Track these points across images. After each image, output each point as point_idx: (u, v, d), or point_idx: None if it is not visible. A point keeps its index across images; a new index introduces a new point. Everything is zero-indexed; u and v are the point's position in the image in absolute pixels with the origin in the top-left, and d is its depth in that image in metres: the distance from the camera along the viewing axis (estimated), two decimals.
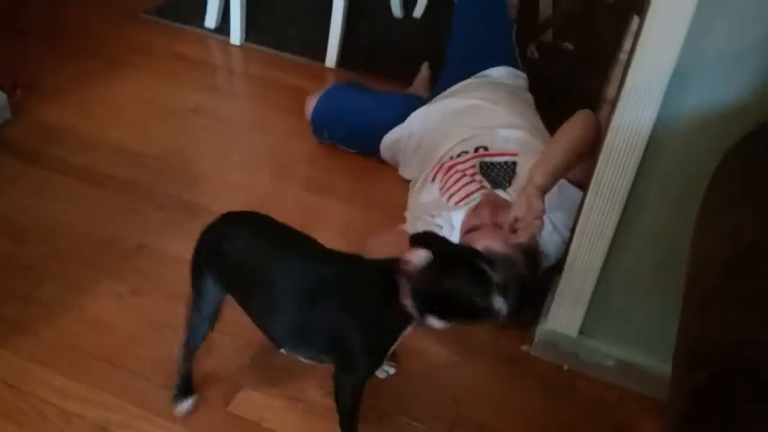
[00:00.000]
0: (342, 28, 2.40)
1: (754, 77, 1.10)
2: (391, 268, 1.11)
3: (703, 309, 0.88)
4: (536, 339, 1.48)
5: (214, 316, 1.28)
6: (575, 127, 1.54)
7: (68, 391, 1.36)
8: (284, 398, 1.38)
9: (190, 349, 1.32)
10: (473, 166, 1.67)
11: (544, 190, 1.43)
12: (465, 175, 1.66)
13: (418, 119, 1.92)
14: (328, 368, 1.30)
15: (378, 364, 1.26)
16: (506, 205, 1.50)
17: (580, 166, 1.52)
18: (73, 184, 1.86)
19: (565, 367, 1.47)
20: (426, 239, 1.16)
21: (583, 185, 1.52)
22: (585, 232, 1.32)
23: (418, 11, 2.78)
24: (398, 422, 1.36)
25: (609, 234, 1.30)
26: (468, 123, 1.79)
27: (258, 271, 1.21)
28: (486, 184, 1.62)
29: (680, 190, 1.22)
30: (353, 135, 2.01)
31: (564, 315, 1.43)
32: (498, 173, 1.64)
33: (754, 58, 1.09)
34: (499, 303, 1.11)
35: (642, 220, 1.28)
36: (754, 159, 1.06)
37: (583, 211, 1.31)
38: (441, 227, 1.57)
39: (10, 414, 1.32)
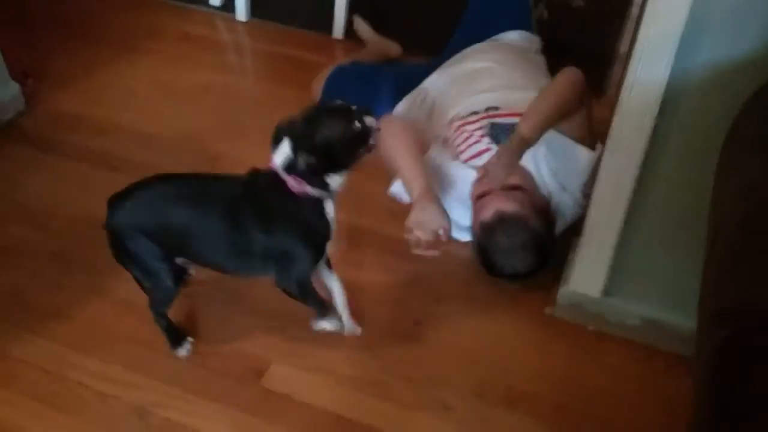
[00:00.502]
0: None
1: (764, 31, 1.09)
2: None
3: (725, 266, 0.88)
4: (559, 301, 1.49)
5: (170, 275, 1.34)
6: (561, 82, 1.56)
7: (104, 373, 1.39)
8: (313, 372, 1.41)
9: (158, 312, 1.40)
10: (482, 128, 1.68)
11: (528, 144, 1.46)
12: (472, 135, 1.68)
13: (430, 84, 1.93)
14: (356, 340, 1.32)
15: (320, 254, 1.33)
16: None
17: (567, 121, 1.55)
18: (91, 170, 1.88)
19: (590, 328, 1.48)
20: (279, 133, 1.32)
21: (579, 140, 1.58)
22: (604, 192, 1.32)
23: None
24: (424, 386, 1.39)
25: (628, 192, 1.30)
26: (479, 85, 1.80)
27: (178, 219, 1.31)
28: (492, 145, 1.64)
29: (698, 145, 1.22)
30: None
31: (586, 276, 1.43)
32: (500, 133, 1.66)
33: (763, 12, 1.07)
34: (369, 120, 1.25)
35: (660, 177, 1.28)
36: (766, 115, 1.06)
37: (601, 170, 1.31)
38: (454, 184, 1.63)
39: (48, 398, 1.35)
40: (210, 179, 1.40)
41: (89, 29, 2.47)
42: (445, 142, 1.75)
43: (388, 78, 2.01)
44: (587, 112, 1.60)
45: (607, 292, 1.44)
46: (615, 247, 1.37)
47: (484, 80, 1.81)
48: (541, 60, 1.98)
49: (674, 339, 1.39)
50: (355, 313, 1.50)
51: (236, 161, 1.90)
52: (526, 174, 1.58)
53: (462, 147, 1.68)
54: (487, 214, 1.51)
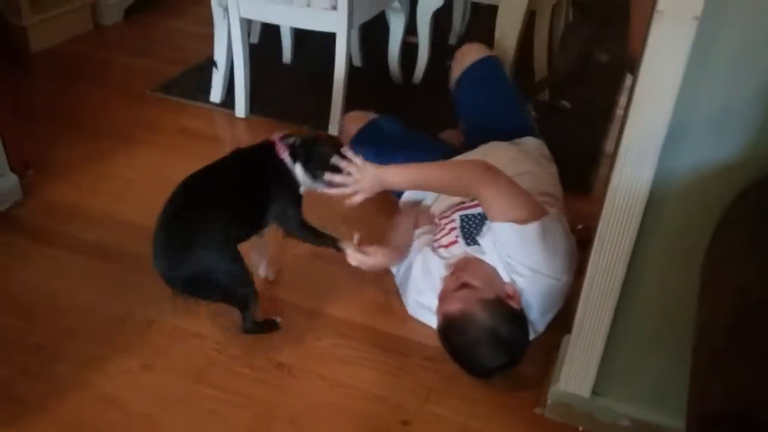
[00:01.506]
0: (343, 96, 2.46)
1: (747, 133, 1.13)
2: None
3: (713, 371, 0.88)
4: (549, 401, 1.47)
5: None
6: (461, 168, 1.69)
7: None
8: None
9: (254, 321, 1.64)
10: (452, 221, 1.73)
11: (385, 181, 1.66)
12: (444, 228, 1.73)
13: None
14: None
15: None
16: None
17: (494, 208, 1.59)
18: (84, 262, 1.88)
19: (581, 429, 1.46)
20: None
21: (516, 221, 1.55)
22: (591, 292, 1.33)
23: (417, 77, 2.85)
24: None
25: (615, 293, 1.30)
26: None
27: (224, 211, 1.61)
28: (459, 238, 1.67)
29: (684, 246, 1.23)
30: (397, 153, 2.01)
31: (576, 376, 1.42)
32: (472, 225, 1.69)
33: (746, 115, 1.11)
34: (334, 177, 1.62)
35: (648, 278, 1.29)
36: (754, 214, 1.08)
37: (589, 271, 1.32)
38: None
39: None
40: (223, 166, 1.73)
41: (89, 121, 2.54)
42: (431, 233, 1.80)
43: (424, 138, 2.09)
44: (501, 193, 1.58)
45: (597, 392, 1.42)
46: (604, 347, 1.36)
47: None
48: (548, 165, 1.96)
49: None
50: (342, 412, 1.47)
51: None
52: (479, 270, 1.58)
53: (437, 237, 1.75)
54: (438, 320, 1.55)
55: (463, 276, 1.56)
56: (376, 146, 2.02)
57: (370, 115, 2.17)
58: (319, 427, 1.45)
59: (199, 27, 3.17)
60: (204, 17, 2.80)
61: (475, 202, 1.70)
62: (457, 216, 1.72)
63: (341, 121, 2.27)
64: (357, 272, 1.84)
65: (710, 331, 0.95)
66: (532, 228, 1.52)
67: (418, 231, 1.82)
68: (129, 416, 1.46)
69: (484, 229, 1.64)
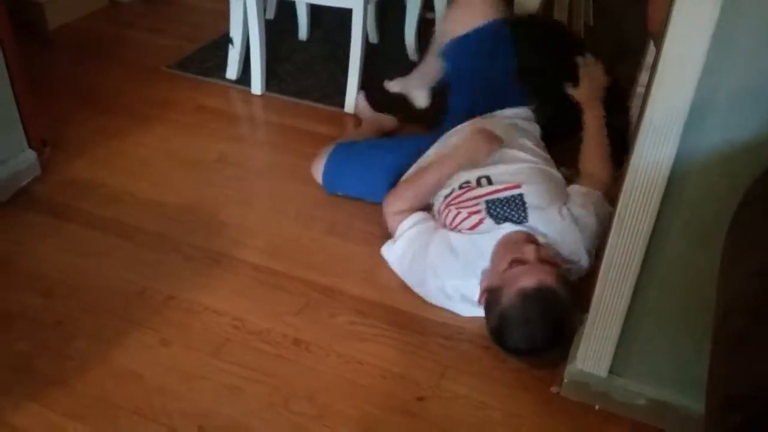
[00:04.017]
0: (359, 73, 2.45)
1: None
2: None
3: (733, 351, 0.87)
4: (566, 380, 1.47)
5: None
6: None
7: None
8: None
9: None
10: (477, 204, 1.69)
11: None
12: (472, 213, 1.68)
13: (428, 159, 1.95)
14: (361, 414, 1.29)
15: None
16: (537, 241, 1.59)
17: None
18: (102, 238, 1.90)
19: (597, 407, 1.46)
20: None
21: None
22: (610, 271, 1.32)
23: None
24: None
25: (634, 272, 1.30)
26: None
27: None
28: (488, 219, 1.65)
29: (704, 227, 1.22)
30: (366, 187, 2.01)
31: (593, 355, 1.42)
32: (507, 210, 1.66)
33: (766, 96, 1.09)
34: None
35: (666, 258, 1.28)
36: None
37: (607, 250, 1.31)
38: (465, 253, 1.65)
39: None
40: None
41: (106, 98, 2.55)
42: (438, 215, 1.77)
43: (382, 155, 2.03)
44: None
45: (614, 371, 1.42)
46: (621, 326, 1.35)
47: None
48: (534, 129, 2.00)
49: (682, 420, 1.36)
50: (359, 388, 1.49)
51: (243, 230, 1.94)
52: (553, 249, 1.61)
53: (457, 223, 1.69)
54: (529, 283, 1.47)
55: (542, 250, 1.54)
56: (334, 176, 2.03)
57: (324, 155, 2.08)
58: (336, 403, 1.46)
59: (214, 3, 3.15)
60: None
61: (499, 186, 1.70)
62: (482, 201, 1.69)
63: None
64: (371, 253, 1.85)
65: (730, 313, 0.94)
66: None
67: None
68: (148, 391, 1.48)
69: (535, 207, 1.65)
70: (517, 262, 1.53)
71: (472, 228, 1.67)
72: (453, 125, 2.02)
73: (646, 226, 1.25)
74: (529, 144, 1.87)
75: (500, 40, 2.10)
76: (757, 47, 1.07)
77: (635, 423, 1.43)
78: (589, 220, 1.67)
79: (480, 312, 1.61)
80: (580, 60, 2.02)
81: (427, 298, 1.69)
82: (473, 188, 1.74)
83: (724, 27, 1.06)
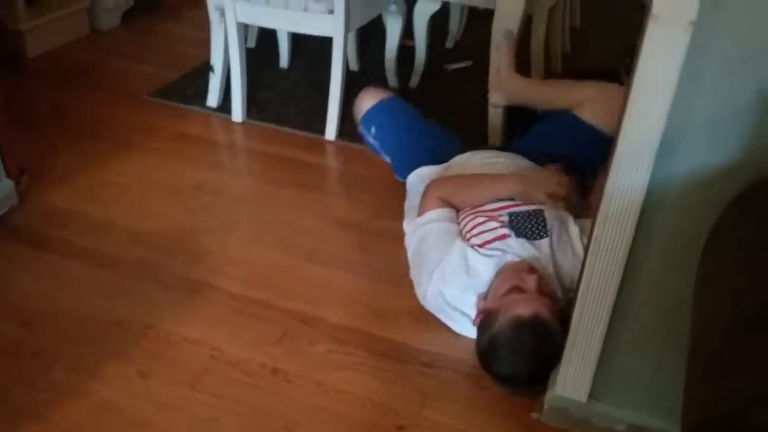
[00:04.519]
0: (340, 100, 2.46)
1: (741, 138, 1.12)
2: None
3: (707, 376, 0.88)
4: (546, 406, 1.47)
5: None
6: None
7: None
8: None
9: None
10: (501, 216, 1.71)
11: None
12: (492, 220, 1.70)
13: (459, 162, 1.99)
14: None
15: None
16: (540, 272, 1.59)
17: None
18: (80, 268, 1.88)
19: None
20: None
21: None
22: (587, 296, 1.33)
23: (413, 81, 2.85)
24: None
25: (611, 297, 1.30)
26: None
27: None
28: (510, 232, 1.67)
29: (679, 251, 1.23)
30: (398, 144, 2.11)
31: (572, 380, 1.42)
32: (529, 225, 1.69)
33: (741, 119, 1.11)
34: None
35: (643, 283, 1.29)
36: (748, 220, 1.08)
37: (584, 275, 1.32)
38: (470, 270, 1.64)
39: None
40: None
41: (86, 126, 2.54)
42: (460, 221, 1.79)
43: (431, 136, 2.13)
44: None
45: (594, 396, 1.42)
46: (600, 351, 1.36)
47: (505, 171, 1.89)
48: None
49: None
50: (339, 418, 1.47)
51: (225, 258, 1.93)
52: (552, 279, 1.62)
53: (475, 231, 1.70)
54: (525, 312, 1.47)
55: (543, 283, 1.55)
56: (382, 121, 2.11)
57: (384, 94, 2.22)
58: None
59: (196, 31, 3.17)
60: (201, 21, 2.80)
61: (520, 202, 1.73)
62: (505, 213, 1.72)
63: (358, 97, 2.30)
64: (351, 280, 1.85)
65: (705, 336, 0.95)
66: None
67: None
68: (126, 423, 1.46)
69: (556, 225, 1.68)
70: (517, 289, 1.53)
71: (491, 241, 1.67)
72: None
73: (622, 251, 1.25)
74: None
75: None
76: (728, 74, 1.09)
77: None
78: None
79: (465, 332, 1.64)
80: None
81: (419, 292, 1.71)
82: (496, 200, 1.77)
83: (695, 54, 1.08)
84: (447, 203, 1.81)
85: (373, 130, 2.17)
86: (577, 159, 1.89)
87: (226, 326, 1.69)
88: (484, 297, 1.61)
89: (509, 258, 1.63)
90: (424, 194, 1.85)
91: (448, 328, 1.69)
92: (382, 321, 1.72)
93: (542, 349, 1.48)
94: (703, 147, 1.15)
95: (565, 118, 2.03)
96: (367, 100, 2.21)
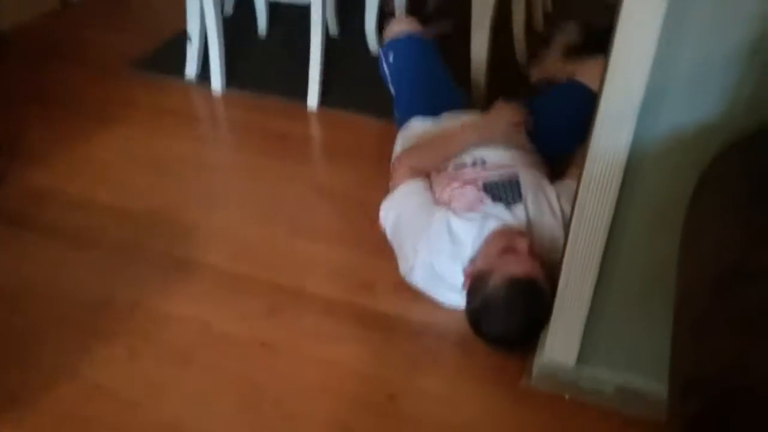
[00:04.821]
0: (321, 68, 2.43)
1: (722, 96, 1.11)
2: None
3: (694, 334, 0.88)
4: (535, 371, 1.48)
5: None
6: None
7: None
8: None
9: None
10: (476, 183, 1.71)
11: None
12: (469, 184, 1.71)
13: (448, 120, 1.99)
14: (331, 415, 1.28)
15: None
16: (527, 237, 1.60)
17: None
18: (64, 247, 1.86)
19: (567, 397, 1.46)
20: None
21: None
22: (573, 260, 1.33)
23: None
24: None
25: (596, 260, 1.30)
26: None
27: None
28: (487, 198, 1.67)
29: (663, 211, 1.23)
30: (405, 81, 2.14)
31: (560, 344, 1.42)
32: (504, 190, 1.69)
33: (721, 75, 1.10)
34: None
35: (628, 244, 1.29)
36: (730, 176, 1.07)
37: (569, 239, 1.32)
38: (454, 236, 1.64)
39: None
40: None
41: (65, 103, 2.49)
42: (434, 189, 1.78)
43: (437, 91, 2.13)
44: None
45: (582, 359, 1.43)
46: (587, 314, 1.36)
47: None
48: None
49: (649, 406, 1.37)
50: (328, 389, 1.48)
51: (210, 232, 1.91)
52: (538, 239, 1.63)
53: (453, 196, 1.71)
54: (519, 272, 1.48)
55: (533, 246, 1.56)
56: (401, 52, 2.13)
57: (416, 28, 2.20)
58: (306, 405, 1.45)
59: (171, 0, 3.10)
60: None
61: (492, 166, 1.74)
62: (480, 182, 1.72)
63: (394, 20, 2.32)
64: (337, 251, 1.84)
65: (690, 294, 0.95)
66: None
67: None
68: (118, 405, 1.45)
69: (531, 190, 1.68)
70: (509, 250, 1.54)
71: (468, 204, 1.67)
72: (404, 118, 2.06)
73: (606, 213, 1.25)
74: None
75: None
76: (708, 31, 1.08)
77: (604, 411, 1.44)
78: None
79: (456, 302, 1.63)
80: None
81: (404, 268, 1.69)
82: (468, 167, 1.77)
83: (675, 10, 1.06)
84: (417, 172, 1.81)
85: (390, 57, 2.17)
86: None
87: (214, 301, 1.69)
88: (472, 261, 1.60)
89: (491, 222, 1.63)
90: (394, 169, 1.85)
91: (434, 298, 1.68)
92: (369, 292, 1.72)
93: (535, 307, 1.48)
94: (684, 106, 1.14)
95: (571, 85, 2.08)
96: (398, 27, 2.21)
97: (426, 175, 1.82)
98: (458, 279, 1.62)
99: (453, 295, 1.64)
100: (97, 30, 3.01)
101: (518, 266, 1.50)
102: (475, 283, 1.55)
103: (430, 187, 1.79)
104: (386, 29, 2.28)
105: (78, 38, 2.95)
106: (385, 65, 2.21)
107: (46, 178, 2.11)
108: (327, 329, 1.62)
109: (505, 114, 1.89)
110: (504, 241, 1.57)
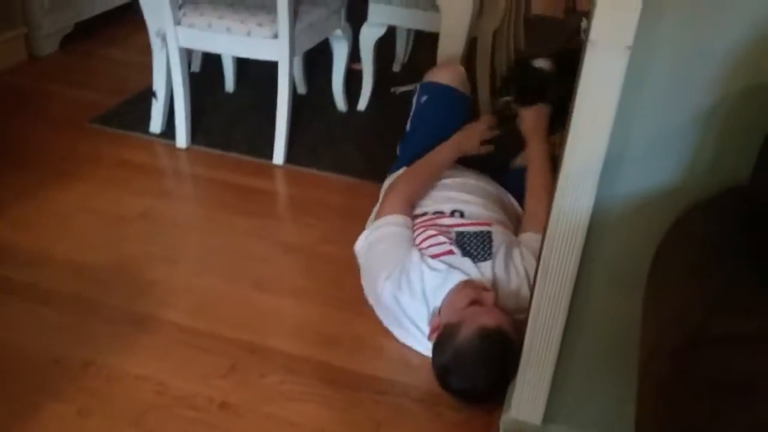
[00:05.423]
0: (287, 125, 2.44)
1: (682, 159, 1.14)
2: None
3: (657, 400, 0.87)
4: (501, 430, 1.45)
5: None
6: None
7: None
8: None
9: None
10: (449, 233, 1.73)
11: None
12: (442, 234, 1.72)
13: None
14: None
15: None
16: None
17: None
18: (16, 303, 1.80)
19: None
20: None
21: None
22: (538, 319, 1.32)
23: (361, 104, 2.84)
24: None
25: (561, 319, 1.30)
26: (450, 193, 1.91)
27: None
28: (457, 251, 1.68)
29: (627, 271, 1.24)
30: (420, 127, 2.17)
31: (526, 402, 1.41)
32: (475, 245, 1.70)
33: (681, 139, 1.13)
34: None
35: (592, 303, 1.29)
36: (691, 239, 1.09)
37: (534, 298, 1.32)
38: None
39: None
40: None
41: (24, 155, 2.46)
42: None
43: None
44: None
45: (548, 419, 1.41)
46: (553, 373, 1.35)
47: (456, 190, 1.91)
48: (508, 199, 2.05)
49: None
50: None
51: (171, 288, 1.87)
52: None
53: (425, 244, 1.72)
54: (490, 323, 1.49)
55: (499, 300, 1.58)
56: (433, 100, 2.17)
57: (458, 84, 2.22)
58: None
59: (138, 56, 3.10)
60: (143, 46, 2.74)
61: (469, 221, 1.76)
62: (453, 232, 1.73)
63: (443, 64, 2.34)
64: (301, 307, 1.82)
65: (653, 359, 0.95)
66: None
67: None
68: None
69: (503, 248, 1.70)
70: (476, 302, 1.55)
71: (438, 255, 1.68)
72: (405, 157, 2.09)
73: (569, 273, 1.26)
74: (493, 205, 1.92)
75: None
76: (666, 96, 1.11)
77: None
78: None
79: (411, 342, 1.66)
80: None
81: (370, 296, 1.73)
82: (446, 217, 1.79)
83: (634, 77, 1.09)
84: (407, 204, 1.83)
85: (423, 98, 2.20)
86: None
87: (172, 360, 1.64)
88: (438, 313, 1.60)
89: (456, 275, 1.63)
90: (383, 198, 1.89)
91: (399, 354, 1.67)
92: (333, 348, 1.69)
93: (506, 358, 1.47)
94: (646, 168, 1.17)
95: None
96: (442, 75, 2.22)
97: (412, 208, 1.85)
98: (418, 318, 1.63)
99: (414, 331, 1.65)
100: (63, 84, 2.99)
101: (488, 317, 1.50)
102: (444, 335, 1.54)
103: (412, 225, 1.81)
104: (433, 69, 2.29)
105: (42, 91, 2.93)
106: (414, 101, 2.24)
107: (2, 232, 2.06)
108: (290, 388, 1.58)
109: (477, 129, 2.03)
110: (470, 293, 1.57)
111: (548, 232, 1.24)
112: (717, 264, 0.98)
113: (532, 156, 1.96)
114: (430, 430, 1.51)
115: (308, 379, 1.61)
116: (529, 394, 1.40)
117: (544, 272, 1.27)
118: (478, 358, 1.48)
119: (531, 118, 2.02)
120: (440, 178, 1.97)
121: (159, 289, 1.87)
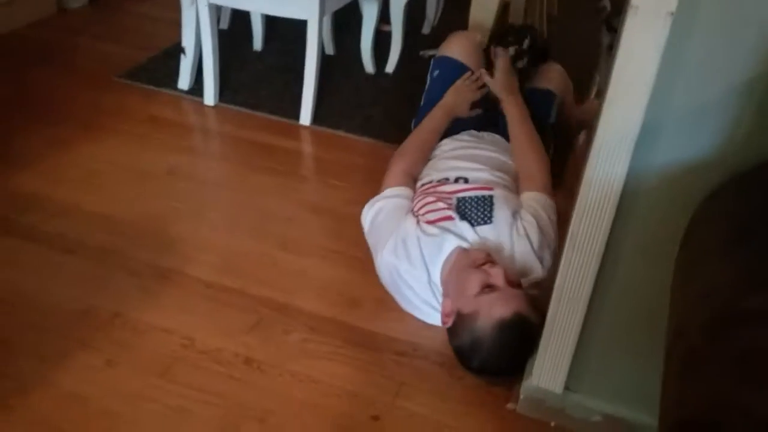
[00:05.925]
0: (315, 85, 2.43)
1: (718, 133, 1.12)
2: None
3: (685, 373, 0.87)
4: (522, 396, 1.46)
5: None
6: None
7: None
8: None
9: None
10: (450, 199, 1.72)
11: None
12: (441, 200, 1.72)
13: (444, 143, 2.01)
14: None
15: None
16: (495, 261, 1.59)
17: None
18: (46, 253, 1.83)
19: (553, 424, 1.45)
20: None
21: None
22: (564, 288, 1.32)
23: (389, 67, 2.82)
24: None
25: (587, 289, 1.30)
26: (458, 162, 1.88)
27: None
28: (456, 217, 1.67)
29: (656, 244, 1.23)
30: (432, 101, 2.10)
31: (548, 371, 1.41)
32: (475, 209, 1.69)
33: (719, 112, 1.11)
34: None
35: (619, 275, 1.28)
36: (723, 214, 1.08)
37: (561, 267, 1.31)
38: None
39: None
40: None
41: (53, 109, 2.47)
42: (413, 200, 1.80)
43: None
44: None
45: (569, 387, 1.42)
46: (576, 342, 1.35)
47: (466, 160, 1.88)
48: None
49: None
50: (311, 407, 1.46)
51: (194, 245, 1.89)
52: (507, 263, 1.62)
53: (423, 210, 1.72)
54: (507, 313, 1.46)
55: (507, 272, 1.54)
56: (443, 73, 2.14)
57: (467, 57, 2.16)
58: (289, 424, 1.43)
59: (167, 12, 3.09)
60: (172, 2, 2.72)
61: (472, 186, 1.74)
62: (455, 197, 1.72)
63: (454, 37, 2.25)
64: (325, 267, 1.83)
65: (683, 333, 0.94)
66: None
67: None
68: (92, 414, 1.42)
69: (504, 212, 1.68)
70: (488, 287, 1.51)
71: (435, 221, 1.68)
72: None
73: (598, 243, 1.25)
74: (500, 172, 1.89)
75: None
76: (707, 66, 1.08)
77: None
78: (545, 229, 1.68)
79: (413, 311, 1.67)
80: (499, 51, 2.09)
81: (376, 265, 1.72)
82: (450, 183, 1.78)
83: (675, 45, 1.07)
84: (405, 175, 1.84)
85: (435, 72, 2.19)
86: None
87: (198, 314, 1.66)
88: (447, 295, 1.59)
89: (451, 238, 1.63)
90: (388, 167, 1.90)
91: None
92: (356, 309, 1.70)
93: (526, 342, 1.48)
94: (682, 139, 1.15)
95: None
96: (455, 48, 2.18)
97: (414, 180, 1.86)
98: (418, 286, 1.64)
99: (416, 306, 1.66)
100: (92, 38, 3.00)
101: (504, 306, 1.47)
102: (461, 324, 1.52)
103: (413, 195, 1.81)
104: (445, 42, 2.24)
105: (71, 45, 2.93)
106: (428, 77, 2.22)
107: (31, 183, 2.08)
108: (313, 347, 1.60)
109: (468, 86, 2.06)
110: (478, 276, 1.52)
111: (579, 200, 1.23)
112: (749, 239, 0.96)
113: (511, 113, 1.97)
114: (451, 392, 1.52)
115: (331, 338, 1.62)
116: (550, 363, 1.41)
117: (572, 241, 1.26)
118: (498, 347, 1.47)
119: (500, 79, 2.03)
120: (440, 146, 1.98)
121: (185, 245, 1.89)
